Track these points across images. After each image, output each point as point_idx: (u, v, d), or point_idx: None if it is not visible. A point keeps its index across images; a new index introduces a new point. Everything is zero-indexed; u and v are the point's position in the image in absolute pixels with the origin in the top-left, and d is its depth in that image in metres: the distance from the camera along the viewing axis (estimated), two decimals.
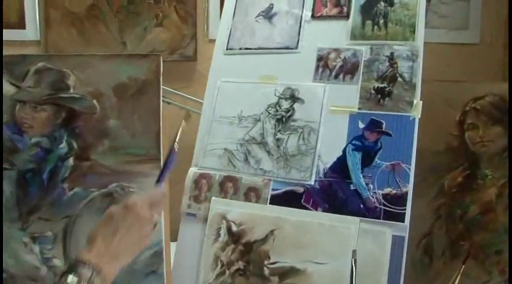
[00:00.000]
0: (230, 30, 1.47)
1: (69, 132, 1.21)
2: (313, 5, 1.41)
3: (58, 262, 1.19)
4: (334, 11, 1.39)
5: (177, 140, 0.99)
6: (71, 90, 1.22)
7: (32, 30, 1.99)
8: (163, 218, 1.21)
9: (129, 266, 1.17)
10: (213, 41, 2.00)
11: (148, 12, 1.98)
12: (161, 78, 1.24)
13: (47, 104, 1.22)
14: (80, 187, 1.20)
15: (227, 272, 1.23)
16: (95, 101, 1.23)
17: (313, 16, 1.40)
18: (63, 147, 1.20)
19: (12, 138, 1.20)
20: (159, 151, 1.21)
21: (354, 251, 1.02)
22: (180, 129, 1.01)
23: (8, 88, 1.22)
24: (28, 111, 1.22)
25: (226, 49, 1.45)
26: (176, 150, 0.99)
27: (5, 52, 1.38)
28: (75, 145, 1.21)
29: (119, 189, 1.20)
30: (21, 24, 2.00)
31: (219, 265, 1.25)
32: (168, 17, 2.00)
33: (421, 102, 1.19)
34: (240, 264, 1.22)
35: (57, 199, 1.20)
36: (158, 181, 0.98)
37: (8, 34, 2.00)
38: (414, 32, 1.24)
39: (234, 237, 1.24)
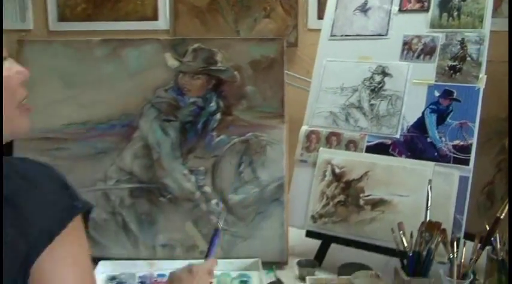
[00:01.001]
0: (333, 21, 1.85)
1: (217, 94, 1.65)
2: (400, 1, 1.77)
3: (208, 189, 1.63)
4: (417, 5, 1.73)
5: (220, 223, 1.25)
6: (219, 64, 1.65)
7: (163, 22, 2.46)
8: (284, 162, 1.63)
9: (259, 194, 1.61)
10: (311, 30, 2.40)
11: (258, 5, 2.39)
12: (285, 56, 1.65)
13: (201, 74, 1.65)
14: (224, 135, 1.64)
15: (331, 203, 1.63)
16: (236, 72, 1.65)
17: (400, 10, 1.75)
18: (213, 105, 1.64)
19: (176, 98, 1.65)
20: (283, 110, 1.62)
21: (430, 180, 1.39)
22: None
23: (173, 62, 1.66)
24: (187, 79, 1.66)
25: (330, 36, 1.83)
26: (220, 229, 1.22)
27: (155, 37, 1.84)
28: (221, 104, 1.64)
29: (253, 137, 1.62)
30: (154, 17, 2.47)
31: (324, 198, 1.64)
32: (274, 10, 2.40)
33: (485, 75, 1.53)
34: (341, 197, 1.62)
35: (208, 143, 1.64)
36: (207, 255, 1.20)
37: (144, 25, 2.49)
38: (482, 21, 1.57)
39: (337, 177, 1.63)
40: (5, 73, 0.80)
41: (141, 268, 1.56)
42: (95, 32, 2.46)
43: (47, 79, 1.65)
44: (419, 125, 1.57)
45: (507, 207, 1.29)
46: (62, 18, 2.53)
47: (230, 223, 1.60)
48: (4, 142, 0.84)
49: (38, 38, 2.52)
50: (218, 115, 1.64)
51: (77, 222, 0.73)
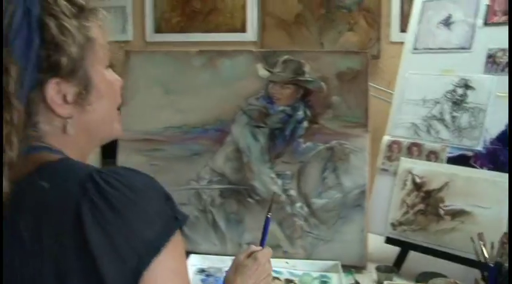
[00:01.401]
0: (416, 34, 1.90)
1: (305, 103, 1.75)
2: (486, 14, 1.79)
3: (293, 192, 1.73)
4: (503, 18, 1.76)
5: (270, 210, 1.24)
6: (307, 75, 1.75)
7: (251, 33, 2.60)
8: (366, 169, 1.70)
9: (342, 199, 1.69)
10: (393, 43, 2.46)
11: (342, 19, 2.48)
12: (369, 68, 1.73)
13: (290, 84, 1.76)
14: (310, 142, 1.74)
15: (410, 211, 1.68)
16: (322, 83, 1.75)
17: (485, 23, 1.78)
18: (300, 114, 1.74)
19: (266, 106, 1.77)
20: (367, 119, 1.70)
21: None
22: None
23: (264, 72, 1.78)
24: (277, 88, 1.77)
25: (413, 49, 1.89)
26: (270, 217, 1.24)
27: (243, 47, 1.98)
28: (308, 113, 1.74)
29: (338, 145, 1.71)
30: (243, 29, 2.61)
31: (404, 207, 1.70)
32: (357, 23, 2.48)
33: None
34: (421, 206, 1.66)
35: (295, 149, 1.74)
36: (262, 244, 1.22)
37: (233, 36, 2.64)
38: None
39: (417, 186, 1.69)
40: (110, 78, 0.87)
41: (227, 263, 1.67)
42: (187, 43, 2.64)
43: (149, 87, 1.83)
44: (503, 138, 1.59)
45: None
46: (158, 30, 2.74)
47: (313, 225, 1.69)
48: (101, 144, 0.91)
49: (137, 48, 2.74)
50: (305, 123, 1.74)
51: (178, 234, 0.75)
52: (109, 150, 1.94)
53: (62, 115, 0.79)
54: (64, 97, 0.78)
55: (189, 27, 2.64)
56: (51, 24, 0.75)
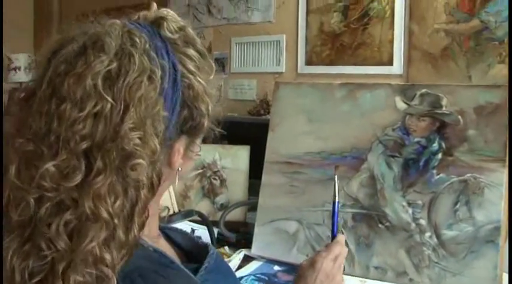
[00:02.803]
0: None
1: (440, 136, 1.79)
2: None
3: (423, 222, 1.77)
4: None
5: (336, 194, 1.22)
6: (443, 108, 1.80)
7: (397, 67, 2.68)
8: (502, 205, 1.68)
9: (473, 233, 1.69)
10: None
11: (492, 51, 2.44)
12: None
13: (426, 116, 1.82)
14: (444, 174, 1.77)
15: None
16: (459, 116, 1.78)
17: None
18: (435, 146, 1.79)
19: (402, 137, 1.84)
20: (505, 154, 1.69)
21: None
22: (336, 182, 1.25)
23: (401, 105, 1.86)
24: (414, 120, 1.84)
25: None
26: (337, 201, 1.22)
27: (389, 80, 2.08)
28: (443, 145, 1.78)
29: (472, 178, 1.72)
30: (390, 62, 2.70)
31: None
32: None
33: None
34: None
35: (428, 180, 1.79)
36: (333, 235, 1.24)
37: (380, 69, 2.74)
38: None
39: None
40: None
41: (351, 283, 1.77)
42: (336, 75, 2.80)
43: (294, 115, 2.01)
44: None
45: None
46: (309, 62, 2.95)
47: (441, 256, 1.72)
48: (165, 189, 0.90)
49: (290, 79, 2.97)
50: (439, 155, 1.78)
51: None
52: (255, 171, 2.17)
53: (174, 168, 0.84)
54: (179, 150, 0.84)
55: (338, 60, 2.80)
56: (193, 81, 0.80)
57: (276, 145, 2.01)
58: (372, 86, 1.93)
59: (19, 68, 4.89)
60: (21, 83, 4.81)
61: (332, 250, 1.24)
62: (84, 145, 0.67)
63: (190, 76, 0.80)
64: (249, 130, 2.66)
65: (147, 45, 0.75)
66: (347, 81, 2.00)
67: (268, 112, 2.84)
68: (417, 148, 1.82)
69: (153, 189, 0.72)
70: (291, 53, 2.97)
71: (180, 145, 0.84)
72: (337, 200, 1.30)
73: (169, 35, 0.81)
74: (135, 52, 0.73)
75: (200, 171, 2.38)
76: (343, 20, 2.81)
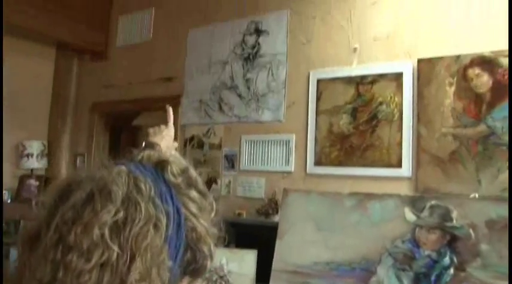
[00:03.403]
0: None
1: (451, 249, 1.76)
2: None
3: None
4: None
5: None
6: (454, 221, 1.78)
7: (406, 169, 2.67)
8: None
9: None
10: None
11: (501, 156, 2.44)
12: None
13: (437, 229, 1.80)
14: None
15: None
16: (471, 230, 1.75)
17: None
18: (446, 260, 1.75)
19: (412, 250, 1.81)
20: None
21: None
22: None
23: (411, 217, 1.85)
24: (424, 233, 1.82)
25: None
26: None
27: (388, 188, 2.06)
28: (455, 259, 1.75)
29: None
30: (398, 164, 2.70)
31: None
32: None
33: None
34: None
35: None
36: None
37: (388, 171, 2.74)
38: None
39: None
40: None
41: None
42: (344, 176, 2.81)
43: (303, 222, 2.00)
44: None
45: None
46: (318, 163, 2.96)
47: None
48: None
49: (298, 181, 2.98)
50: (451, 270, 1.74)
51: None
52: (262, 275, 2.12)
53: None
54: None
55: (347, 161, 2.81)
56: (196, 224, 0.79)
57: (284, 252, 1.98)
58: (381, 197, 1.92)
59: (31, 155, 4.97)
60: (32, 170, 4.87)
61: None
62: None
63: (193, 219, 0.79)
64: (257, 233, 2.64)
65: (152, 192, 0.76)
66: (355, 184, 2.00)
67: (277, 212, 2.82)
68: (428, 262, 1.78)
69: None
70: (300, 153, 3.00)
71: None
72: None
73: (173, 179, 0.81)
74: (141, 200, 0.74)
75: (207, 275, 2.33)
76: (352, 122, 2.86)
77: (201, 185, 0.86)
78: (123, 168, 0.80)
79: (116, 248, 0.71)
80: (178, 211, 0.78)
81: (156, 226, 0.74)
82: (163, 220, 0.75)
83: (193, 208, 0.81)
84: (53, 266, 0.70)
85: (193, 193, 0.82)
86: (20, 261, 0.77)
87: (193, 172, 0.86)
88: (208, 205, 0.86)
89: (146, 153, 0.87)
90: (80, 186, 0.78)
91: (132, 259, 0.70)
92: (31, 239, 0.77)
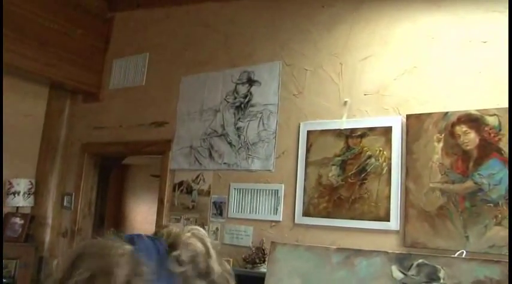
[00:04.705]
0: None
1: None
2: None
3: None
4: None
5: None
6: (441, 281, 1.78)
7: (394, 223, 2.68)
8: None
9: None
10: None
11: (488, 213, 2.46)
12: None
13: None
14: None
15: None
16: None
17: None
18: None
19: None
20: None
21: None
22: None
23: (398, 274, 1.85)
24: None
25: None
26: None
27: (376, 241, 2.06)
28: None
29: None
30: (386, 218, 2.71)
31: None
32: (506, 217, 2.44)
33: None
34: None
35: None
36: None
37: (377, 224, 2.74)
38: None
39: None
40: None
41: None
42: (332, 227, 2.80)
43: (290, 277, 1.98)
44: None
45: None
46: (306, 213, 2.96)
47: None
48: None
49: (286, 230, 2.97)
50: None
51: None
52: None
53: None
54: None
55: (335, 213, 2.82)
56: None
57: None
58: (368, 253, 1.92)
59: (18, 193, 4.93)
60: (17, 208, 4.81)
61: None
62: None
63: None
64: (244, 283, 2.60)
65: (155, 278, 0.74)
66: (343, 236, 2.00)
67: (264, 261, 2.80)
68: None
69: None
70: (289, 203, 3.01)
71: None
72: None
73: (177, 268, 0.77)
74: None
75: None
76: (341, 174, 2.88)
77: (214, 275, 0.79)
78: (128, 248, 0.79)
79: None
80: None
81: None
82: None
83: None
84: None
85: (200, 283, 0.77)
86: None
87: (206, 261, 0.80)
88: None
89: (169, 229, 0.83)
90: (85, 263, 0.77)
91: None
92: None
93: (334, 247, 1.97)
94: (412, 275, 1.82)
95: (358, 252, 1.94)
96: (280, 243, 2.15)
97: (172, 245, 0.79)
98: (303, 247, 2.05)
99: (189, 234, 0.81)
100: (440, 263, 1.80)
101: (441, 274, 1.78)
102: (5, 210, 4.84)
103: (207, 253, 0.80)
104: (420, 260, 1.83)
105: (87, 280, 0.75)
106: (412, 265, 1.84)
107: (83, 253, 0.80)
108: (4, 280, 2.92)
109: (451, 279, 1.77)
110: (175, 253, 0.77)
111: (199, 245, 0.80)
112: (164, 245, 0.79)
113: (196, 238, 0.81)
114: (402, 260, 1.86)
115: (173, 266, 0.76)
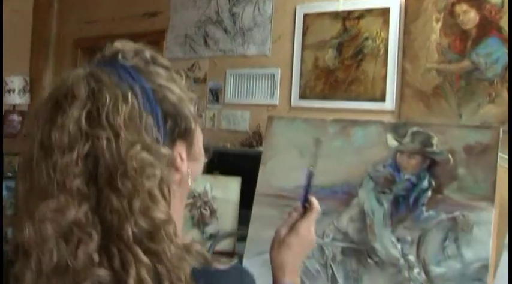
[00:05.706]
0: None
1: (430, 173, 1.82)
2: None
3: (412, 258, 1.77)
4: None
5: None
6: (434, 147, 1.83)
7: (390, 103, 2.72)
8: (491, 244, 1.70)
9: (461, 271, 1.70)
10: None
11: (483, 91, 2.49)
12: (499, 143, 1.75)
13: (417, 154, 1.85)
14: (433, 211, 1.78)
15: None
16: (449, 155, 1.80)
17: None
18: (425, 183, 1.81)
19: (392, 174, 1.86)
20: (494, 193, 1.71)
21: None
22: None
23: (393, 142, 1.89)
24: (404, 158, 1.87)
25: None
26: (311, 170, 1.28)
27: (381, 116, 2.10)
28: (433, 183, 1.80)
29: (461, 216, 1.74)
30: (382, 98, 2.75)
31: None
32: (499, 95, 2.47)
33: None
34: None
35: (417, 216, 1.80)
36: (304, 201, 1.30)
37: (372, 105, 2.78)
38: None
39: None
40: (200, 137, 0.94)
41: None
42: (329, 109, 2.84)
43: (287, 149, 2.03)
44: None
45: None
46: (302, 96, 2.99)
47: None
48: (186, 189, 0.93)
49: (283, 113, 3.00)
50: (429, 193, 1.80)
51: None
52: (246, 202, 2.18)
53: (183, 172, 0.87)
54: (181, 155, 0.87)
55: (332, 95, 2.84)
56: (166, 94, 0.84)
57: (268, 178, 2.03)
58: (364, 123, 1.96)
59: (13, 90, 4.90)
60: (14, 106, 4.82)
61: (312, 219, 1.31)
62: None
63: (162, 89, 0.84)
64: (240, 162, 2.67)
65: (113, 77, 0.80)
66: (340, 117, 2.03)
67: (261, 144, 2.86)
68: (407, 185, 1.84)
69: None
70: (285, 87, 3.02)
71: (179, 151, 0.87)
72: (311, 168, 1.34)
73: (127, 62, 0.85)
74: (103, 87, 0.78)
75: (190, 200, 2.38)
76: (337, 56, 2.87)
77: (161, 59, 0.90)
78: (81, 69, 0.83)
79: (96, 134, 0.74)
80: (143, 87, 0.82)
81: (126, 102, 0.78)
82: (130, 96, 0.79)
83: (158, 80, 0.85)
84: (47, 170, 0.74)
85: (154, 68, 0.87)
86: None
87: (148, 51, 0.90)
88: (176, 75, 0.91)
89: (100, 53, 0.89)
90: (48, 99, 0.81)
91: (117, 137, 0.75)
92: (25, 165, 0.80)
93: (331, 118, 2.00)
94: (407, 142, 1.87)
95: (354, 122, 1.97)
96: (276, 116, 2.18)
97: (113, 56, 0.87)
98: (300, 120, 2.09)
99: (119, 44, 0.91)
100: (434, 130, 1.84)
101: (434, 141, 1.83)
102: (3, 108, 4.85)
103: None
104: (415, 129, 1.87)
105: (54, 108, 0.78)
106: (406, 133, 1.87)
107: (46, 95, 0.84)
108: (9, 174, 3.03)
109: (444, 145, 1.81)
110: (120, 54, 0.86)
111: (135, 46, 0.91)
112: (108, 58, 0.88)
113: None
114: (397, 129, 1.89)
115: (124, 62, 0.85)
